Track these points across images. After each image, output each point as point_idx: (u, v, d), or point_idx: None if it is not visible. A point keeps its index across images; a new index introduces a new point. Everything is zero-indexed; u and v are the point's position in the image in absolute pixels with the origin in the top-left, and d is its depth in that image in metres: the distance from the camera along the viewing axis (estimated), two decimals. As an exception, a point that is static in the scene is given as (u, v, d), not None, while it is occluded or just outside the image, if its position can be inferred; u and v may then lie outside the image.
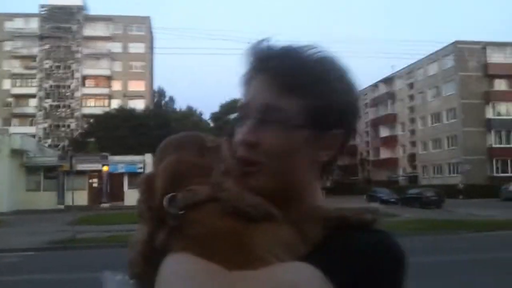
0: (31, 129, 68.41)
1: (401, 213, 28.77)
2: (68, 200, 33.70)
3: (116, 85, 74.72)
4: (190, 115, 74.26)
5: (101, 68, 74.42)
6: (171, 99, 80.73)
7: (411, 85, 68.18)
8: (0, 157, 32.19)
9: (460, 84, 56.41)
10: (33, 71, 73.21)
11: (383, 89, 75.42)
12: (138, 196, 0.86)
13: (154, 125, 56.23)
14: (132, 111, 59.48)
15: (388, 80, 74.58)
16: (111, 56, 73.95)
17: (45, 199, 34.93)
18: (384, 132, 74.63)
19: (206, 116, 77.79)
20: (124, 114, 57.78)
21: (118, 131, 54.09)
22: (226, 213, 0.77)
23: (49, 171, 36.21)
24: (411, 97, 67.95)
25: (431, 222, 21.57)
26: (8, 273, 11.31)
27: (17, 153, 34.30)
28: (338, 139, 0.93)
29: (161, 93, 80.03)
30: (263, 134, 0.87)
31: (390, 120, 72.91)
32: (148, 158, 38.42)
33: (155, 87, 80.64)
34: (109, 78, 74.42)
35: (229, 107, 59.81)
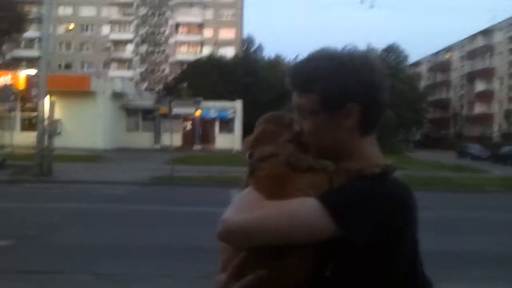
0: (128, 73, 71.76)
1: (491, 170, 28.08)
2: (164, 141, 35.70)
3: (207, 33, 76.09)
4: (277, 63, 74.33)
5: (193, 16, 75.90)
6: (260, 47, 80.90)
7: (511, 38, 63.96)
8: (103, 99, 34.24)
9: None
10: (130, 18, 76.15)
11: (481, 41, 71.29)
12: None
13: (243, 73, 57.15)
14: (221, 59, 60.63)
15: (487, 32, 70.31)
16: (203, 4, 75.11)
17: (143, 139, 37.01)
18: (480, 86, 71.06)
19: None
20: (214, 62, 59.09)
21: (209, 77, 55.59)
22: (281, 164, 1.18)
23: (147, 114, 38.24)
24: (511, 51, 63.88)
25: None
26: (115, 203, 12.63)
27: (117, 95, 36.26)
28: (354, 110, 1.21)
29: (250, 40, 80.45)
30: (302, 123, 1.25)
31: (487, 74, 69.24)
32: (238, 105, 39.48)
33: (245, 34, 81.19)
34: (200, 26, 75.86)
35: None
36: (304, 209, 1.10)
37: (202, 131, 38.98)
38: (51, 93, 19.00)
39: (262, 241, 1.12)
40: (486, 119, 69.04)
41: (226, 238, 1.16)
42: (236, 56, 64.94)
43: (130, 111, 38.61)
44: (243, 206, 1.16)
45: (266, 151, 1.20)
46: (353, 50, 1.26)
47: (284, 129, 1.25)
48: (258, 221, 1.11)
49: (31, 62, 58.04)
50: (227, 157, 26.83)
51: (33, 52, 65.51)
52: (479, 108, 71.20)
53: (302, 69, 1.27)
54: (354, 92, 1.21)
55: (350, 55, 1.25)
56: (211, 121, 39.36)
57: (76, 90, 32.69)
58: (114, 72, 70.41)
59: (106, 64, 76.17)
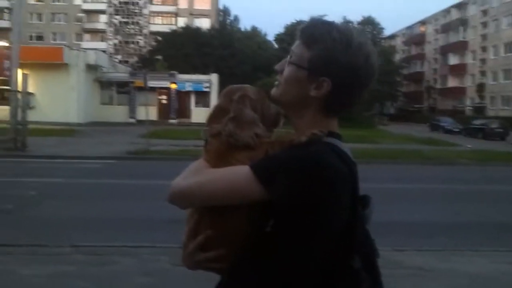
0: (102, 45, 70.51)
1: (463, 143, 28.70)
2: (139, 115, 35.43)
3: (183, 3, 75.05)
4: (254, 35, 73.93)
5: (168, -15, 74.68)
6: (236, 19, 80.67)
7: (485, 12, 64.58)
8: (76, 72, 33.61)
9: (540, 11, 53.04)
10: (103, -13, 74.54)
11: (455, 14, 71.78)
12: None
13: (219, 45, 56.69)
14: (197, 30, 59.94)
15: (460, 6, 70.81)
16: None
17: (118, 113, 36.57)
18: (453, 60, 71.81)
19: (271, 37, 77.16)
20: (190, 33, 58.40)
21: (184, 49, 55.02)
22: (223, 141, 1.32)
23: (121, 87, 37.76)
24: (484, 24, 64.59)
25: (488, 153, 21.60)
26: (91, 177, 12.68)
27: (91, 68, 35.55)
28: (325, 85, 1.30)
29: (226, 12, 79.70)
30: (286, 67, 1.36)
31: (461, 47, 69.91)
32: (214, 78, 39.25)
33: (220, 5, 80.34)
34: (175, -4, 74.77)
35: (294, 29, 58.66)
36: (237, 175, 1.24)
37: (178, 104, 38.75)
38: (23, 66, 18.69)
39: (202, 203, 1.30)
40: (458, 92, 70.02)
41: (173, 201, 1.33)
42: (211, 28, 64.28)
43: (104, 84, 38.07)
44: (189, 173, 1.32)
45: (215, 129, 1.35)
46: (363, 35, 1.33)
47: (236, 106, 1.36)
48: (197, 185, 1.27)
49: (0, 33, 56.59)
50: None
51: (2, 23, 63.87)
52: (452, 82, 72.12)
53: (315, 26, 1.34)
54: (337, 71, 1.28)
55: (359, 40, 1.31)
56: (187, 94, 39.14)
57: (48, 63, 31.99)
58: (87, 43, 69.10)
59: (79, 36, 74.67)
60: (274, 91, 1.40)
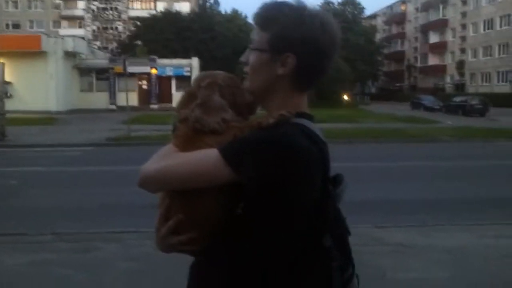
0: (80, 31, 69.37)
1: (443, 120, 28.98)
2: (119, 101, 35.14)
3: (162, -13, 74.08)
4: (234, 18, 73.34)
5: (146, -31, 73.54)
6: (216, 1, 79.72)
7: (464, -11, 64.92)
8: (55, 59, 33.20)
9: (517, -12, 53.35)
10: (80, -28, 73.14)
11: (435, -8, 72.05)
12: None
13: (199, 29, 56.20)
14: (177, 14, 59.29)
15: (440, -17, 71.06)
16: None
17: (98, 100, 36.27)
18: (433, 38, 72.29)
19: (251, 19, 76.30)
20: (169, 17, 57.77)
21: (164, 34, 54.47)
22: (190, 127, 1.32)
23: (101, 73, 37.37)
24: (464, 2, 64.88)
25: (468, 130, 21.84)
26: (72, 165, 12.59)
27: (70, 55, 35.20)
28: (290, 60, 1.31)
29: (205, -5, 78.82)
30: (250, 56, 1.39)
31: (441, 25, 70.33)
32: (195, 62, 39.03)
33: (200, -12, 79.42)
34: (154, -21, 73.68)
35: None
36: (205, 158, 1.24)
37: (159, 89, 38.50)
38: (0, 55, 18.38)
39: (171, 187, 1.30)
40: (439, 70, 70.57)
41: (142, 185, 1.32)
42: (191, 12, 63.62)
43: (84, 71, 37.65)
44: (158, 157, 1.32)
45: (183, 114, 1.35)
46: (316, 7, 1.35)
47: (204, 92, 1.36)
48: (166, 168, 1.27)
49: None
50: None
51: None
52: (432, 60, 72.62)
53: (267, 8, 1.36)
54: (298, 45, 1.30)
55: (312, 11, 1.33)
56: (168, 79, 38.87)
57: (26, 51, 31.55)
58: (65, 30, 67.96)
59: (56, 23, 73.42)
60: (245, 84, 1.40)
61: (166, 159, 1.29)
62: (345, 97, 46.92)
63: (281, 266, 1.26)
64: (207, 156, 1.24)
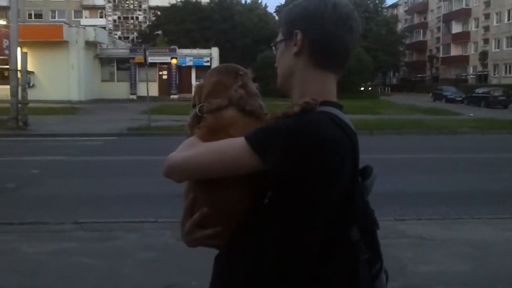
0: (101, 21, 69.87)
1: (465, 112, 28.61)
2: (140, 91, 35.35)
3: (181, -23, 73.98)
4: (255, 8, 73.06)
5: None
6: (236, -9, 79.33)
7: (488, -22, 63.63)
8: (76, 49, 33.50)
9: (544, -24, 52.13)
10: (101, -37, 73.41)
11: (458, -19, 70.75)
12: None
13: (219, 18, 56.16)
14: (197, 4, 59.30)
15: (464, -28, 69.75)
16: None
17: (118, 90, 36.55)
18: (456, 28, 70.94)
19: (271, 9, 76.24)
20: (189, 7, 57.81)
21: (184, 24, 54.58)
22: (222, 116, 1.31)
23: (122, 63, 37.62)
24: (488, -9, 63.72)
25: (490, 122, 21.50)
26: (93, 154, 12.71)
27: (91, 45, 35.48)
28: (298, 37, 1.34)
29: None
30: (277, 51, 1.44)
31: (464, 15, 68.99)
32: (215, 52, 39.03)
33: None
34: (174, -31, 73.63)
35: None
36: (232, 146, 1.23)
37: (179, 79, 38.62)
38: (22, 44, 18.60)
39: (197, 175, 1.29)
40: (461, 61, 69.35)
41: (168, 174, 1.31)
42: (211, 1, 63.52)
43: (105, 61, 37.93)
44: (184, 147, 1.31)
45: (213, 105, 1.33)
46: None
47: (237, 79, 1.37)
48: (192, 158, 1.26)
49: (-1, 11, 56.18)
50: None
51: (0, 2, 63.36)
52: (455, 50, 71.40)
53: (285, 10, 1.43)
54: (300, 21, 1.34)
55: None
56: (188, 69, 38.96)
57: (48, 40, 31.87)
58: (86, 20, 68.46)
59: (78, 12, 73.98)
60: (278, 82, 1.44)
61: (192, 148, 1.29)
62: (369, 88, 46.46)
63: (305, 257, 1.24)
64: (234, 144, 1.23)
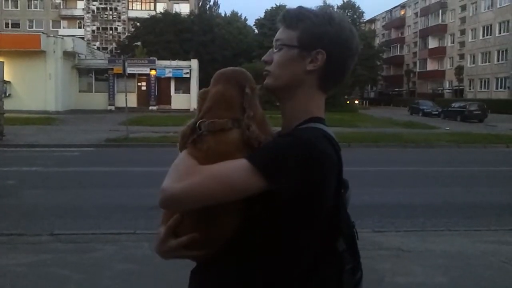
0: (80, 32, 69.35)
1: (441, 126, 29.01)
2: (118, 102, 35.09)
3: (161, -12, 74.02)
4: (234, 20, 73.43)
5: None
6: (216, 3, 79.76)
7: (463, -5, 64.96)
8: (54, 59, 33.13)
9: (516, -6, 53.44)
10: (80, -27, 73.03)
11: (434, -2, 72.10)
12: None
13: (198, 31, 56.25)
14: (176, 16, 59.35)
15: (440, -12, 71.10)
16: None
17: (97, 100, 36.23)
18: (432, 43, 72.21)
19: (251, 22, 76.69)
20: (169, 19, 57.81)
21: (163, 35, 54.52)
22: (226, 142, 1.24)
23: (100, 73, 37.32)
24: (463, 8, 64.86)
25: (466, 136, 21.88)
26: (70, 165, 12.56)
27: (69, 55, 35.11)
28: (320, 56, 1.32)
29: (205, -3, 78.90)
30: (274, 55, 1.38)
31: (440, 30, 70.25)
32: (194, 63, 39.03)
33: (200, -10, 79.46)
34: (154, -19, 73.61)
35: (274, 13, 58.67)
36: (235, 171, 1.18)
37: (158, 91, 38.47)
38: (-1, 54, 18.35)
39: (199, 204, 1.21)
40: (437, 75, 70.51)
41: (167, 206, 1.25)
42: (191, 13, 63.65)
43: (83, 71, 37.61)
44: (180, 174, 1.21)
45: (217, 126, 1.25)
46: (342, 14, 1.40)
47: (249, 101, 1.28)
48: (193, 187, 1.18)
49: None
50: (183, 117, 26.43)
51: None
52: (431, 65, 72.58)
53: (294, 10, 1.39)
54: (328, 42, 1.32)
55: (341, 15, 1.37)
56: (167, 81, 38.85)
57: (25, 50, 31.47)
58: (65, 30, 67.88)
59: (56, 23, 73.35)
60: (267, 81, 1.38)
61: (191, 175, 1.20)
62: (356, 102, 46.83)
63: (296, 271, 1.26)
64: (237, 167, 1.19)
